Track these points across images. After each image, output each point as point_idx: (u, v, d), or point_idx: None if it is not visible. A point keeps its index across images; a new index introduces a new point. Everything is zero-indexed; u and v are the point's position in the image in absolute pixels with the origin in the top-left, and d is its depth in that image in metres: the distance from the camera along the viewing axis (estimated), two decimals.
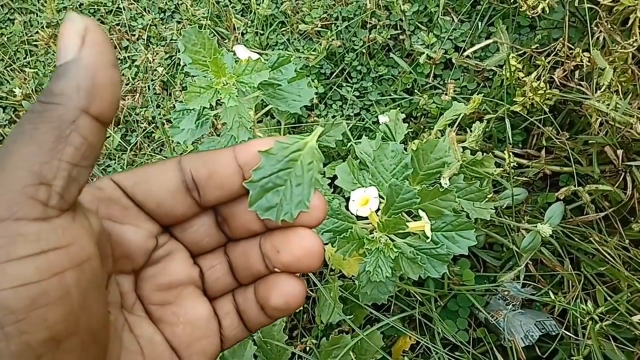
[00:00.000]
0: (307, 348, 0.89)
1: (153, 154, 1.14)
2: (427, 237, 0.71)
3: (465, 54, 1.04)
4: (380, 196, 0.73)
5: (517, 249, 0.90)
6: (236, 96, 0.80)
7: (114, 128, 1.24)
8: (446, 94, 1.07)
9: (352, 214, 0.72)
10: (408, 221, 0.69)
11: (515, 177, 1.06)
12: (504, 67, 1.17)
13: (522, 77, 1.08)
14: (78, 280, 0.22)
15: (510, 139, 1.09)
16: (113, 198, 0.28)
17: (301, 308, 0.91)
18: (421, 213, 0.71)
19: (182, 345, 0.30)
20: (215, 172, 0.29)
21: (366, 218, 0.73)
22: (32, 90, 1.32)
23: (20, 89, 1.30)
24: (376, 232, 0.71)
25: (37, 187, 0.21)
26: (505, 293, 0.99)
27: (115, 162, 1.16)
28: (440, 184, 0.82)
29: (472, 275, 0.99)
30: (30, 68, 1.36)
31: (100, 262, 0.25)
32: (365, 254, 0.72)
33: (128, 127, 1.27)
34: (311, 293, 0.98)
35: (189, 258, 0.32)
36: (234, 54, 0.87)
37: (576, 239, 0.95)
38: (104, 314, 0.25)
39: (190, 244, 0.32)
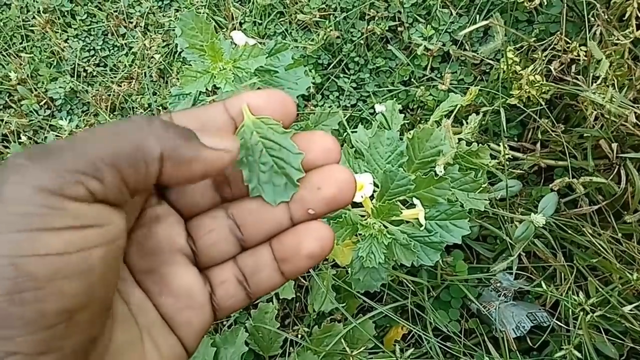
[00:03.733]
0: (299, 336, 0.89)
1: None
2: (421, 225, 0.71)
3: (462, 33, 1.04)
4: (374, 184, 0.73)
5: (510, 240, 0.91)
6: (232, 81, 0.80)
7: (109, 114, 1.24)
8: (443, 84, 1.07)
9: None
10: (402, 210, 0.69)
11: (509, 170, 1.06)
12: (500, 61, 1.17)
13: (519, 71, 1.09)
14: (105, 257, 0.23)
15: (506, 130, 1.09)
16: None
17: (293, 296, 0.91)
18: (415, 201, 0.72)
19: (168, 314, 0.30)
20: (207, 124, 0.29)
21: (360, 205, 0.73)
22: (27, 75, 1.31)
23: (15, 73, 1.30)
24: (370, 218, 0.71)
25: (89, 178, 0.23)
26: (498, 285, 0.99)
27: None
28: (435, 172, 0.82)
29: (465, 267, 0.99)
30: (26, 53, 1.35)
31: (125, 237, 0.26)
32: (358, 241, 0.72)
33: (124, 114, 1.26)
34: (304, 282, 0.98)
35: (179, 223, 0.30)
36: (231, 40, 0.87)
37: (569, 232, 0.96)
38: (116, 285, 0.26)
39: (185, 206, 0.31)
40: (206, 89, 0.81)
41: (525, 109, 1.08)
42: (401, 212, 0.68)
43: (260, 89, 0.30)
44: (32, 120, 1.28)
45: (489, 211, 0.99)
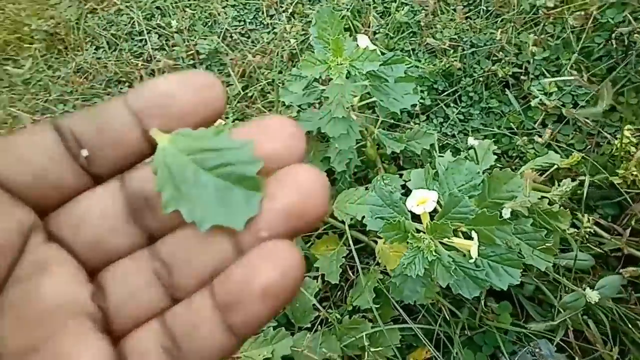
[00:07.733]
0: (329, 319, 0.95)
1: (263, 109, 1.28)
2: (471, 257, 0.74)
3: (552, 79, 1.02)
4: (440, 205, 0.77)
5: (559, 307, 0.89)
6: (346, 77, 0.88)
7: (239, 79, 1.39)
8: (541, 137, 1.07)
9: (408, 210, 0.77)
10: (453, 233, 0.72)
11: (588, 245, 1.03)
12: (617, 138, 1.13)
13: (633, 152, 1.05)
14: None
15: (601, 207, 1.05)
16: None
17: (337, 282, 0.97)
18: (473, 234, 0.74)
19: None
20: (106, 125, 0.22)
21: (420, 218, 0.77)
22: (185, 27, 1.53)
23: (177, 22, 1.52)
24: (423, 233, 0.76)
25: None
26: (537, 350, 0.97)
27: (230, 108, 1.31)
28: (500, 213, 0.83)
29: (509, 320, 0.98)
30: (190, 9, 1.57)
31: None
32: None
33: (250, 83, 1.41)
34: (351, 275, 1.04)
35: (79, 271, 0.22)
36: (357, 43, 0.95)
37: (629, 326, 0.91)
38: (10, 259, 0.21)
39: (89, 250, 0.23)
40: (320, 77, 0.90)
41: (629, 190, 1.03)
42: (452, 235, 0.71)
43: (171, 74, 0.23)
44: (177, 64, 1.48)
45: (550, 275, 0.97)
